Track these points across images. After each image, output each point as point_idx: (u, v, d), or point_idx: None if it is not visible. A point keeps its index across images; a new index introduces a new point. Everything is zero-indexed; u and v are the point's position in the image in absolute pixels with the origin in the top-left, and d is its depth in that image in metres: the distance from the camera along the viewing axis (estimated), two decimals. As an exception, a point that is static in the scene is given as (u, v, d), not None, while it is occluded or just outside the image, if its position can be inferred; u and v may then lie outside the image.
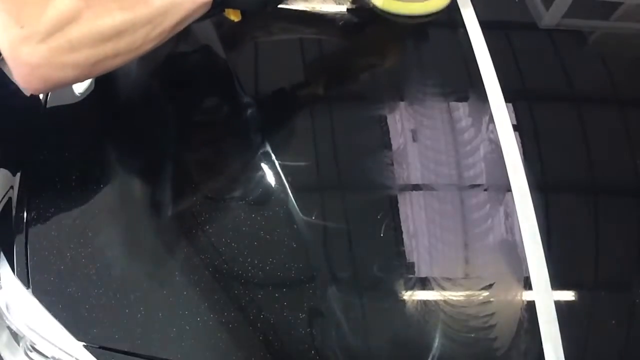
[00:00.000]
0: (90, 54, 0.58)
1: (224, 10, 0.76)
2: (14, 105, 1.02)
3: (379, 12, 0.99)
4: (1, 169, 0.83)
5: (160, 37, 0.64)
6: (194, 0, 0.65)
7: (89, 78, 0.60)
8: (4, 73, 1.04)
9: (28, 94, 0.62)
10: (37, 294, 0.69)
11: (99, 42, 0.58)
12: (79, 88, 0.89)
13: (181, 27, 0.67)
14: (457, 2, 1.00)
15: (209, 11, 0.69)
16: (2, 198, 0.78)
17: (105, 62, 0.60)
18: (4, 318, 0.72)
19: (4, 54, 0.57)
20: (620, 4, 1.14)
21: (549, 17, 1.07)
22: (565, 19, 1.08)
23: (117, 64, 0.62)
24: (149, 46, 0.63)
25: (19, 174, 0.80)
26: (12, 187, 0.79)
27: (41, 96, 0.88)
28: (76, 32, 0.56)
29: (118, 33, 0.59)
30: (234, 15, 0.79)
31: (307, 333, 0.67)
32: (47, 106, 0.88)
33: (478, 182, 0.78)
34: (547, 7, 1.08)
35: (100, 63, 0.59)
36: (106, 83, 0.89)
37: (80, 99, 0.88)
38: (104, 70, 0.61)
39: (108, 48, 0.59)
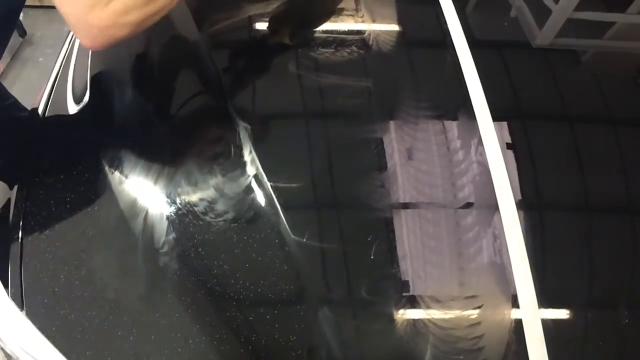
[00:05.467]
0: (139, 14, 0.72)
1: None
2: (11, 118, 1.04)
3: None
4: (-1, 182, 0.85)
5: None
6: None
7: (136, 33, 0.74)
8: (2, 87, 1.06)
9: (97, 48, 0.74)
10: (31, 316, 0.70)
11: (144, 5, 0.72)
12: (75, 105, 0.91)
13: None
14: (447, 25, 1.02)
15: None
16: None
17: (149, 20, 0.74)
18: (-2, 340, 0.73)
19: (73, 21, 0.70)
20: (613, 23, 1.15)
21: (542, 37, 1.08)
22: (558, 38, 1.09)
23: (155, 20, 0.75)
24: (174, 4, 0.76)
25: (15, 197, 0.81)
26: (9, 199, 0.80)
27: (40, 109, 0.91)
28: None
29: None
30: None
31: (298, 355, 0.67)
32: (43, 127, 0.89)
33: (466, 204, 0.79)
34: (540, 27, 1.10)
35: (145, 21, 0.73)
36: (101, 105, 0.91)
37: (75, 121, 0.89)
38: (147, 26, 0.75)
39: (149, 9, 0.73)
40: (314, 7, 1.05)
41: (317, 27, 1.01)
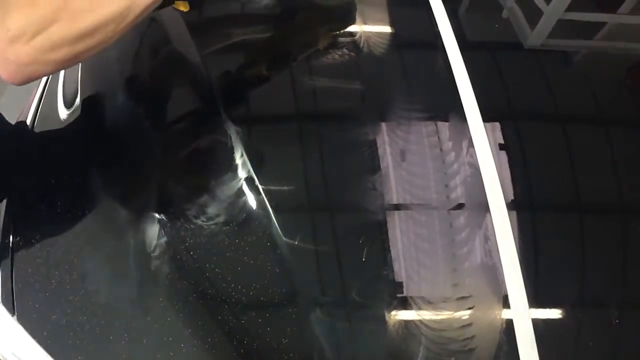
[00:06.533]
0: (68, 51, 0.64)
1: (174, 2, 0.82)
2: None
3: None
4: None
5: (123, 30, 0.70)
6: None
7: (65, 69, 0.68)
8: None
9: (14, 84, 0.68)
10: (22, 320, 0.70)
11: (76, 41, 0.64)
12: (66, 109, 0.91)
13: (140, 19, 0.73)
14: (438, 29, 1.02)
15: (161, 4, 0.75)
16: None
17: (80, 57, 0.67)
18: (-11, 345, 0.72)
19: None
20: (604, 24, 1.16)
21: (534, 38, 1.09)
22: (550, 39, 1.09)
23: (88, 56, 0.68)
24: (114, 39, 0.70)
25: (5, 200, 0.81)
26: None
27: (28, 121, 0.90)
28: (56, 33, 0.62)
29: (91, 32, 0.65)
30: (182, 7, 0.83)
31: (290, 358, 0.67)
32: (34, 131, 0.89)
33: (457, 206, 0.79)
34: (532, 28, 1.10)
35: (76, 58, 0.66)
36: (92, 109, 0.91)
37: (66, 124, 0.89)
38: (78, 62, 0.69)
39: (82, 45, 0.65)
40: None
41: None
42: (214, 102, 0.90)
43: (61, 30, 0.62)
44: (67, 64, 0.66)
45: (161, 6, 0.76)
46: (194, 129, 0.90)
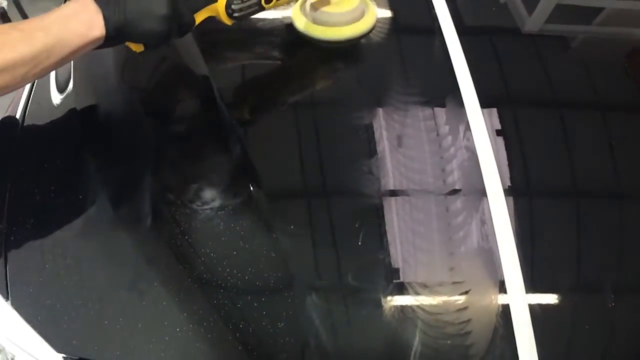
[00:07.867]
0: None
1: (124, 42, 0.76)
2: None
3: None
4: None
5: (44, 72, 0.65)
6: (83, 36, 0.66)
7: None
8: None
9: None
10: (16, 305, 0.69)
11: None
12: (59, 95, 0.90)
13: (71, 59, 0.68)
14: (435, 12, 1.01)
15: (103, 44, 0.71)
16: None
17: None
18: (-17, 331, 0.72)
19: None
20: (602, 8, 1.15)
21: (532, 23, 1.08)
22: (547, 24, 1.09)
23: None
24: (31, 80, 0.65)
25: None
26: None
27: (18, 113, 0.89)
28: None
29: None
30: (135, 47, 0.79)
31: (286, 342, 0.67)
32: (25, 118, 0.88)
33: (454, 190, 0.79)
34: (530, 13, 1.10)
35: None
36: (84, 95, 0.90)
37: (59, 110, 0.88)
38: None
39: None
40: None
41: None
42: (210, 87, 0.90)
43: None
44: None
45: (103, 47, 0.72)
46: (188, 113, 0.90)
